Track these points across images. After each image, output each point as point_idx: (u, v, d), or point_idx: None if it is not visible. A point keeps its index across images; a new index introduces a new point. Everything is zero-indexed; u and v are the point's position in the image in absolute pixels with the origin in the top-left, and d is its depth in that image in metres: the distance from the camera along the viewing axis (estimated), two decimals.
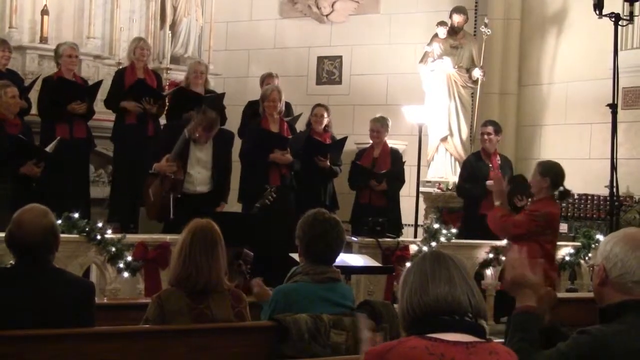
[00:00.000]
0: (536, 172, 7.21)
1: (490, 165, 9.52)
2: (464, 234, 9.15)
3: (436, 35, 11.96)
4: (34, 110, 9.56)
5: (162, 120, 10.19)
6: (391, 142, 10.27)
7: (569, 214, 10.85)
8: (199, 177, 8.34)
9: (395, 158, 9.93)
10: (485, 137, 9.55)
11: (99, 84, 9.98)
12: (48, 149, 8.50)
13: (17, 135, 8.32)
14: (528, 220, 7.07)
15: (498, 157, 9.63)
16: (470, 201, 9.75)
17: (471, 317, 2.69)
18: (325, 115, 9.85)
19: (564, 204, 11.00)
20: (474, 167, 9.65)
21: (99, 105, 10.19)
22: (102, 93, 10.39)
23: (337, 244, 4.60)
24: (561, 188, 7.26)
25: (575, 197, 11.10)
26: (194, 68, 10.07)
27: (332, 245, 4.57)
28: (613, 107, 7.97)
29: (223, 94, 10.27)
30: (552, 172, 7.18)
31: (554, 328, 3.33)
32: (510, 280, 3.29)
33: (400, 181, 9.94)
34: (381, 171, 9.65)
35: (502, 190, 7.34)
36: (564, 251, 9.11)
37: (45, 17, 11.35)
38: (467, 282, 2.73)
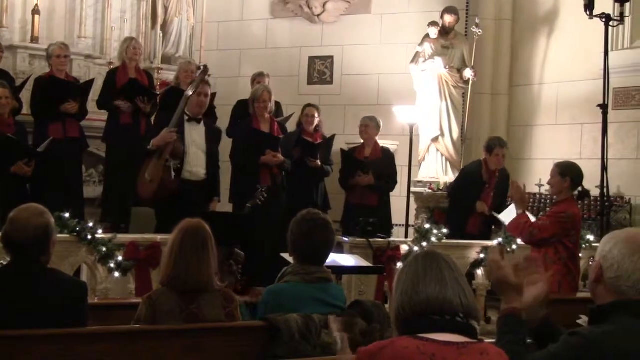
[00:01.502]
0: (555, 174, 7.20)
1: (487, 185, 9.45)
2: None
3: (427, 35, 11.97)
4: (25, 110, 9.54)
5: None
6: (382, 142, 10.28)
7: None
8: (194, 157, 8.32)
9: (386, 157, 9.92)
10: (501, 157, 9.43)
11: (91, 82, 9.97)
12: (40, 149, 8.49)
13: (7, 135, 8.31)
14: (554, 223, 7.06)
15: (497, 174, 9.54)
16: (456, 216, 9.71)
17: (462, 318, 2.69)
18: (316, 115, 9.85)
19: None
20: (472, 179, 9.57)
21: (90, 105, 10.18)
22: (94, 93, 10.39)
23: (326, 245, 4.60)
24: (580, 188, 7.27)
25: None
26: (184, 68, 10.07)
27: (320, 245, 4.57)
28: (604, 107, 8.00)
29: (214, 94, 10.25)
30: (572, 172, 7.19)
31: (548, 326, 3.32)
32: (493, 283, 3.29)
33: (393, 180, 9.92)
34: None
35: (523, 197, 7.35)
36: None
37: (37, 16, 11.35)
38: (459, 282, 2.73)
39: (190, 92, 8.21)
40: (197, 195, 8.17)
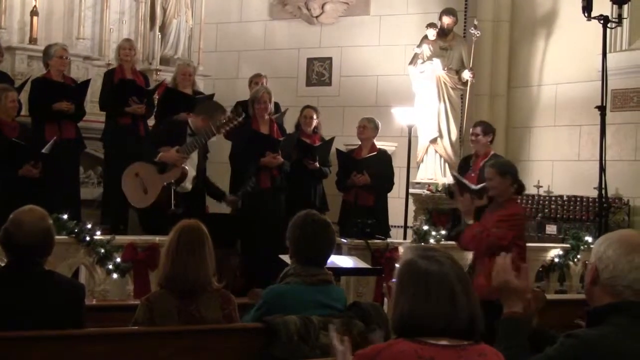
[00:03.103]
0: (494, 175, 6.88)
1: (471, 169, 9.39)
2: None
3: (426, 36, 11.97)
4: (24, 111, 9.54)
5: (152, 122, 10.20)
6: (381, 144, 10.28)
7: (557, 216, 10.88)
8: (188, 174, 8.35)
9: (383, 158, 9.90)
10: (473, 137, 9.49)
11: (87, 83, 9.96)
12: (45, 150, 8.50)
13: (11, 139, 8.33)
14: (511, 228, 6.80)
15: (486, 159, 9.51)
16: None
17: (466, 325, 2.68)
18: (315, 116, 9.86)
19: (553, 206, 11.04)
20: (461, 169, 9.61)
21: (88, 106, 10.18)
22: (93, 94, 10.39)
23: (328, 246, 4.59)
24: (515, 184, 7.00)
25: (565, 198, 11.15)
26: (182, 69, 10.07)
27: (323, 247, 4.56)
28: (602, 109, 8.00)
29: (212, 95, 10.25)
30: (511, 169, 6.92)
31: (542, 332, 3.32)
32: (495, 287, 3.27)
33: (390, 181, 9.90)
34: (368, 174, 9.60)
35: (469, 208, 7.16)
36: (553, 253, 9.13)
37: (35, 17, 11.32)
38: (467, 294, 2.70)
39: (214, 130, 8.17)
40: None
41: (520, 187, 7.03)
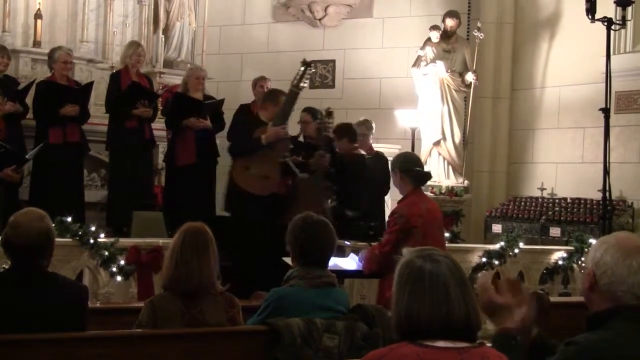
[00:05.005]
0: (391, 174, 6.64)
1: None
2: None
3: (429, 39, 11.97)
4: (30, 114, 9.55)
5: (157, 124, 10.20)
6: (384, 146, 10.26)
7: (561, 218, 10.87)
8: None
9: (380, 161, 9.85)
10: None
11: (90, 85, 9.97)
12: (29, 155, 8.49)
13: None
14: (391, 232, 6.28)
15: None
16: None
17: (463, 325, 2.67)
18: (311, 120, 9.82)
19: (556, 208, 11.02)
20: None
21: (92, 109, 10.18)
22: (98, 97, 10.39)
23: (330, 245, 4.59)
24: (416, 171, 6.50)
25: (568, 201, 11.14)
26: (195, 74, 9.97)
27: (324, 247, 4.55)
28: (606, 111, 7.99)
29: (222, 100, 10.16)
30: (397, 163, 6.50)
31: (542, 341, 3.29)
32: (480, 306, 3.23)
33: (386, 185, 9.84)
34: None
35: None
36: (557, 255, 9.12)
37: (39, 21, 11.34)
38: (464, 296, 2.69)
39: (295, 90, 8.40)
40: None
41: (419, 176, 6.50)
